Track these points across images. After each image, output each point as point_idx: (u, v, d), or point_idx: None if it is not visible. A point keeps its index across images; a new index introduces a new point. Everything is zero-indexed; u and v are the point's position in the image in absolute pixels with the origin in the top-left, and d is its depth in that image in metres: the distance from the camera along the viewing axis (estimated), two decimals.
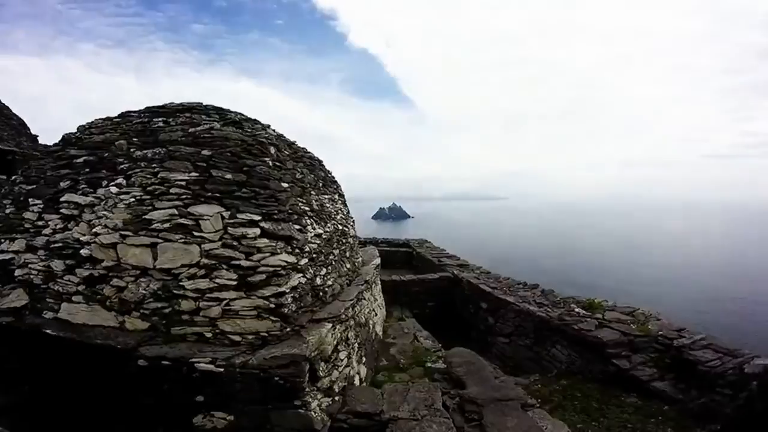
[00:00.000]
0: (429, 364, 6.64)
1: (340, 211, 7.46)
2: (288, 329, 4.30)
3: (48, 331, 4.24)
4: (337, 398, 4.57)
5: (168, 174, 4.47)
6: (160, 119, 5.24)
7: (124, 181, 4.61)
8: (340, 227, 7.04)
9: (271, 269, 4.22)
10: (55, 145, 5.51)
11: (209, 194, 4.38)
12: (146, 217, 4.28)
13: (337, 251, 6.49)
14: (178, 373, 3.86)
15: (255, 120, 5.92)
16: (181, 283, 4.14)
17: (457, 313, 11.48)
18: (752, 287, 43.51)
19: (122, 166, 4.75)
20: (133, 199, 4.43)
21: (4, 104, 13.44)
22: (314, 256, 5.26)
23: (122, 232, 4.28)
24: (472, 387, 5.02)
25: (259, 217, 4.39)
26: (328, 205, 6.73)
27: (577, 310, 8.12)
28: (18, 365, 4.31)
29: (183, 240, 4.19)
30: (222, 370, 3.81)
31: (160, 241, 4.20)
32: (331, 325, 4.75)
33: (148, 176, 4.52)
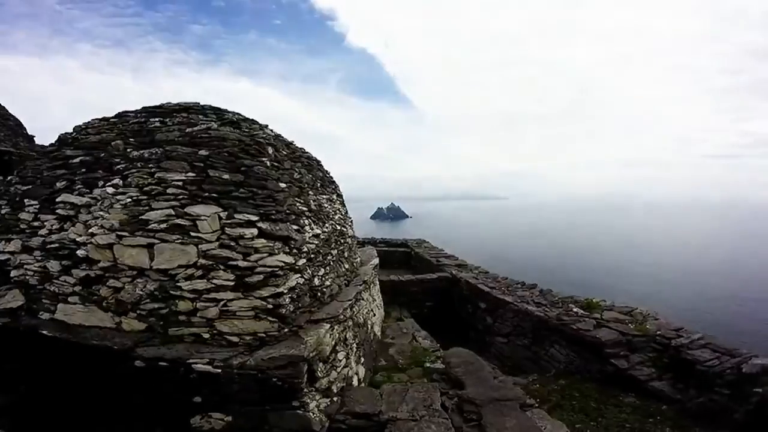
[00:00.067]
0: (428, 365, 6.63)
1: (338, 211, 7.44)
2: (286, 330, 4.29)
3: (44, 332, 4.22)
4: (335, 399, 4.56)
5: (165, 174, 4.45)
6: (156, 119, 5.22)
7: (121, 182, 4.58)
8: (339, 227, 7.03)
9: (269, 270, 4.20)
10: (51, 145, 5.49)
11: (206, 194, 4.36)
12: (143, 217, 4.25)
13: (336, 251, 6.48)
14: (176, 374, 3.84)
15: (253, 120, 5.90)
16: (178, 284, 4.12)
17: (456, 313, 11.48)
18: (751, 286, 43.68)
19: (119, 167, 4.72)
20: (129, 200, 4.40)
21: (0, 104, 13.36)
22: (312, 256, 5.24)
23: (119, 233, 4.26)
24: (470, 387, 5.02)
25: (257, 218, 4.37)
26: (326, 205, 6.72)
27: (575, 309, 8.13)
28: (14, 366, 4.28)
29: (180, 240, 4.17)
30: (219, 371, 3.80)
31: (157, 241, 4.18)
32: (329, 325, 4.74)
33: (145, 176, 4.50)
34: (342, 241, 7.07)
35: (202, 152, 4.64)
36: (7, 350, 4.28)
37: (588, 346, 6.94)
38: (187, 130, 4.93)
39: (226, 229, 4.24)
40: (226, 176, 4.50)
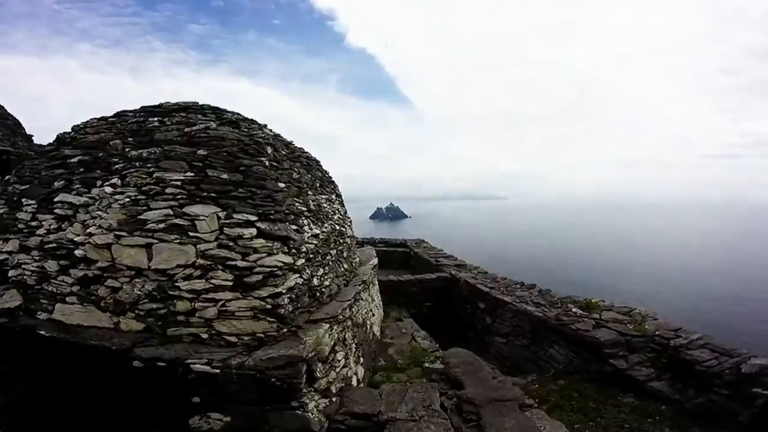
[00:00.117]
0: (427, 365, 6.62)
1: (337, 212, 7.44)
2: (285, 330, 4.28)
3: (42, 332, 4.21)
4: (334, 399, 4.55)
5: (163, 174, 4.44)
6: (155, 119, 5.21)
7: (119, 181, 4.57)
8: (338, 227, 7.02)
9: (268, 270, 4.19)
10: (49, 144, 5.48)
11: (205, 194, 4.35)
12: (141, 217, 4.24)
13: (335, 251, 6.47)
14: (174, 374, 3.83)
15: (252, 120, 5.89)
16: (176, 284, 4.12)
17: (455, 313, 11.48)
18: (750, 286, 43.74)
19: (117, 166, 4.71)
20: (127, 200, 4.39)
21: None
22: (311, 256, 5.24)
23: (117, 233, 4.25)
24: (469, 387, 5.01)
25: (256, 218, 4.36)
26: (325, 205, 6.71)
27: (574, 309, 8.13)
28: (12, 366, 4.27)
29: (178, 240, 4.16)
30: (218, 371, 3.79)
31: (155, 241, 4.17)
32: (328, 325, 4.73)
33: (143, 176, 4.48)
34: (341, 241, 7.07)
35: (201, 152, 4.63)
36: (5, 350, 4.27)
37: (587, 347, 6.94)
38: (186, 130, 4.92)
39: (224, 229, 4.23)
40: (224, 176, 4.49)
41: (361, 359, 5.99)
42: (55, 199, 4.71)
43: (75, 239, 4.44)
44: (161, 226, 4.19)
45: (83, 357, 4.02)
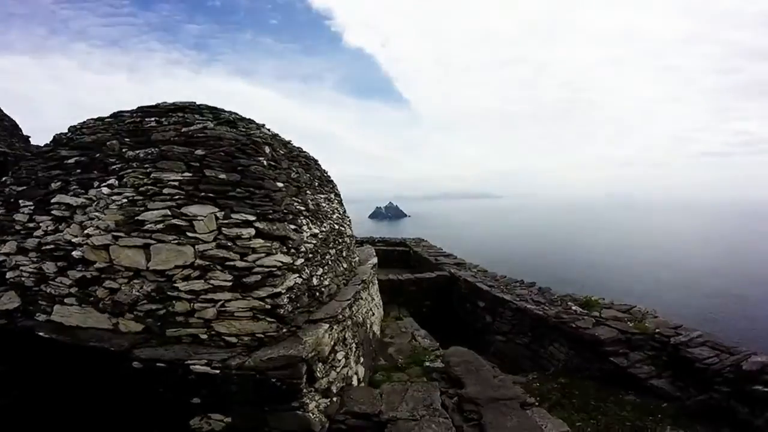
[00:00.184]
0: (427, 364, 6.61)
1: (336, 211, 7.41)
2: (284, 330, 4.26)
3: (40, 333, 4.19)
4: (335, 399, 4.54)
5: (161, 174, 4.41)
6: (152, 119, 5.17)
7: (116, 182, 4.54)
8: (337, 227, 7.00)
9: (267, 270, 4.17)
10: (46, 145, 5.44)
11: (203, 194, 4.33)
12: (139, 218, 4.22)
13: (334, 251, 6.45)
14: (174, 375, 3.81)
15: (249, 119, 5.86)
16: (175, 285, 4.09)
17: (455, 311, 11.47)
18: (748, 284, 43.88)
19: (114, 167, 4.68)
20: (125, 200, 4.36)
21: None
22: (310, 256, 5.22)
23: (114, 234, 4.23)
24: (470, 386, 5.00)
25: (254, 217, 4.33)
26: (324, 204, 6.69)
27: (574, 308, 8.12)
28: (10, 368, 4.25)
29: (176, 241, 4.13)
30: (218, 371, 3.78)
31: (153, 242, 4.15)
32: (328, 325, 4.71)
33: (141, 176, 4.46)
34: (340, 240, 7.05)
35: (199, 152, 4.60)
36: (4, 352, 4.25)
37: (587, 345, 6.93)
38: (183, 130, 4.88)
39: (223, 229, 4.20)
40: (222, 176, 4.46)
41: (362, 359, 5.97)
42: (52, 201, 4.68)
43: (73, 240, 4.42)
44: (159, 226, 4.16)
45: (82, 358, 4.00)
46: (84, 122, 5.52)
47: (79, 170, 4.81)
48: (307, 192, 6.01)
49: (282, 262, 4.37)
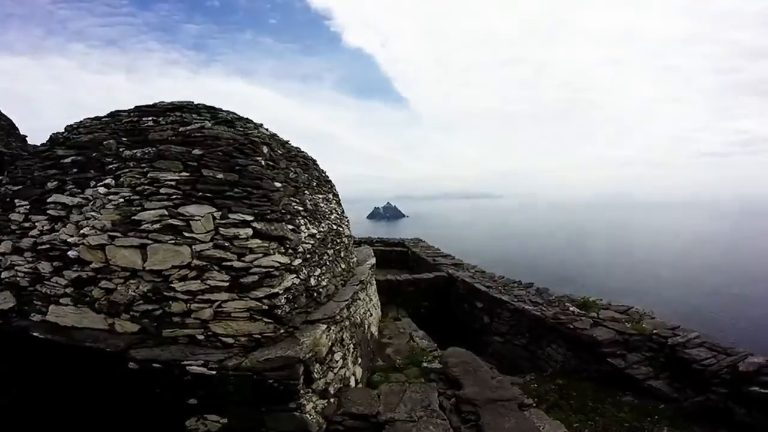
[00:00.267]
0: (425, 364, 6.59)
1: (334, 211, 7.40)
2: (282, 331, 4.24)
3: (35, 333, 4.17)
4: (332, 400, 4.53)
5: (158, 174, 4.38)
6: (149, 118, 5.14)
7: (113, 182, 4.51)
8: (335, 227, 6.98)
9: (264, 270, 4.15)
10: (42, 145, 5.41)
11: (200, 194, 4.30)
12: (135, 217, 4.19)
13: (332, 251, 6.43)
14: (170, 375, 3.79)
15: (247, 119, 5.84)
16: (171, 285, 4.07)
17: (453, 312, 11.47)
18: (746, 284, 44.05)
19: (111, 166, 4.65)
20: (121, 200, 4.34)
21: None
22: (308, 256, 5.20)
23: (111, 234, 4.20)
24: (468, 387, 5.00)
25: (252, 218, 4.31)
26: (322, 204, 6.67)
27: (571, 308, 8.13)
28: (5, 368, 4.22)
29: (173, 241, 4.11)
30: (214, 372, 3.75)
31: (150, 242, 4.12)
32: (325, 326, 4.70)
33: (138, 176, 4.43)
34: (338, 240, 7.03)
35: (196, 151, 4.58)
36: (0, 352, 4.22)
37: (585, 345, 6.94)
38: (181, 129, 4.86)
39: (220, 229, 4.18)
40: (220, 176, 4.43)
41: (359, 359, 5.96)
42: (48, 200, 4.65)
43: (68, 240, 4.39)
44: (156, 226, 4.14)
45: (78, 359, 3.98)
46: (81, 122, 5.49)
47: (75, 170, 4.78)
48: (306, 192, 5.99)
49: (279, 262, 4.35)
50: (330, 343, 4.73)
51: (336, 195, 8.10)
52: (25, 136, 13.97)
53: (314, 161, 7.49)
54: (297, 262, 4.77)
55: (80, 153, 4.91)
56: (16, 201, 4.83)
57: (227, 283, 4.06)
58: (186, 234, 4.13)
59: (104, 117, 5.41)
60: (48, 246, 4.47)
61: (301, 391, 3.92)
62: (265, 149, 5.22)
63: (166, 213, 4.18)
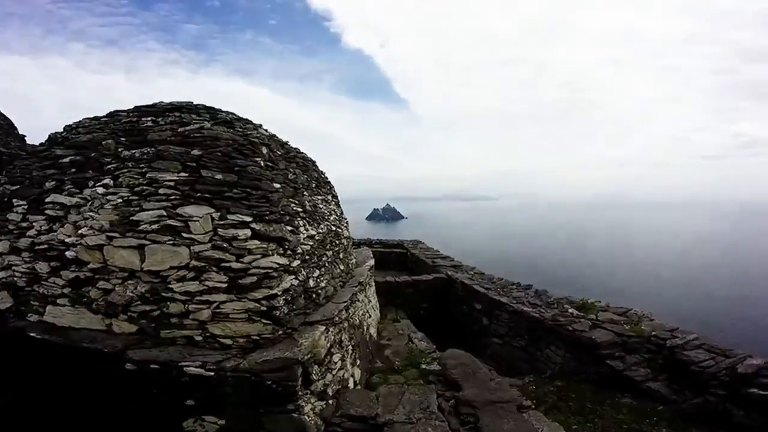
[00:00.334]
0: (424, 366, 6.58)
1: (333, 212, 7.39)
2: (280, 332, 4.23)
3: (32, 334, 4.15)
4: (331, 402, 4.51)
5: (156, 174, 4.37)
6: (149, 118, 5.14)
7: (112, 182, 4.50)
8: (334, 228, 6.97)
9: (263, 271, 4.14)
10: (41, 144, 5.40)
11: (199, 195, 4.29)
12: (134, 218, 4.18)
13: (331, 252, 6.42)
14: (167, 376, 3.77)
15: (246, 119, 5.84)
16: (169, 286, 4.06)
17: (452, 314, 11.45)
18: (745, 286, 44.11)
19: (109, 167, 4.64)
20: (120, 200, 4.32)
21: None
22: (307, 257, 5.19)
23: (109, 234, 4.19)
24: (467, 389, 4.99)
25: (250, 218, 4.30)
26: (321, 206, 6.66)
27: (570, 310, 8.13)
28: (3, 368, 4.20)
29: (171, 242, 4.10)
30: (212, 373, 3.74)
31: (148, 242, 4.11)
32: (324, 327, 4.69)
33: (136, 176, 4.42)
34: (337, 242, 7.02)
35: (195, 152, 4.57)
36: None
37: (583, 347, 6.94)
38: (180, 130, 4.85)
39: (218, 230, 4.17)
40: (219, 176, 4.42)
41: (358, 361, 5.94)
42: (47, 200, 4.64)
43: (66, 240, 4.37)
44: (154, 227, 4.12)
45: (75, 359, 3.96)
46: (80, 121, 5.48)
47: (74, 170, 4.77)
48: (305, 193, 5.99)
49: (278, 263, 4.34)
50: (329, 345, 4.72)
51: (335, 196, 8.09)
52: (24, 136, 13.94)
53: (313, 162, 7.49)
54: (296, 263, 4.77)
55: (79, 153, 4.90)
56: (14, 201, 4.82)
57: (225, 284, 4.04)
58: (184, 235, 4.11)
59: (103, 117, 5.41)
60: (46, 246, 4.45)
61: (300, 393, 3.90)
62: (265, 150, 5.22)
63: (165, 214, 4.17)
